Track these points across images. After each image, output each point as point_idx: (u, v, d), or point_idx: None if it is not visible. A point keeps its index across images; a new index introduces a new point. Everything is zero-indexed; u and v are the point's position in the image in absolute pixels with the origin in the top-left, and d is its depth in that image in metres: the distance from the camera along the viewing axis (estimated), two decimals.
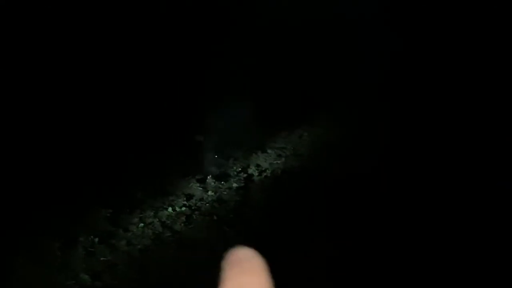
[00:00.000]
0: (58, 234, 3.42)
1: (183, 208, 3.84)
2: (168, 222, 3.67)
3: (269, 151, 4.85)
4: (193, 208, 3.86)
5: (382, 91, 5.68)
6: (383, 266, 3.29)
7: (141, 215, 3.73)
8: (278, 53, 6.00)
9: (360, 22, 5.96)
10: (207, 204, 3.93)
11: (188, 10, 5.82)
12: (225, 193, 4.11)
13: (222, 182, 4.25)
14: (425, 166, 4.51)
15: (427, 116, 5.37)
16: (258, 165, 4.58)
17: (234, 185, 4.23)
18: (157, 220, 3.68)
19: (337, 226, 3.68)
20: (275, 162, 4.66)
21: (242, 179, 4.33)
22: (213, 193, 4.08)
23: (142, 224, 3.62)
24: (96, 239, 3.41)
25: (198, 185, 4.19)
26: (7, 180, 3.83)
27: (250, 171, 4.48)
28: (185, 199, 3.98)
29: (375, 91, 5.66)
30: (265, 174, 4.45)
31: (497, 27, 6.14)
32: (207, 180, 4.27)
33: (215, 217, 3.76)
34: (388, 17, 6.03)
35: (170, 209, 3.82)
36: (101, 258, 3.25)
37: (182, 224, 3.65)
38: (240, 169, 4.49)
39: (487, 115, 5.22)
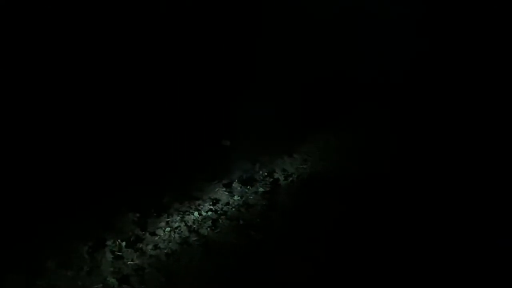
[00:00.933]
0: (86, 237, 3.44)
1: (209, 213, 3.84)
2: (195, 226, 3.67)
3: (295, 155, 4.84)
4: (219, 212, 3.86)
5: (410, 94, 5.61)
6: (409, 267, 3.23)
7: (168, 220, 3.74)
8: (305, 57, 5.98)
9: (388, 24, 5.92)
10: (233, 209, 3.92)
11: (216, 14, 5.84)
12: (251, 197, 4.09)
13: (248, 187, 4.24)
14: (455, 171, 4.43)
15: (454, 119, 5.28)
16: (284, 170, 4.56)
17: (260, 189, 4.21)
18: (184, 224, 3.68)
19: (363, 230, 3.63)
20: (301, 166, 4.64)
21: (268, 183, 4.32)
22: (239, 198, 4.07)
23: (169, 228, 3.62)
24: (124, 243, 3.42)
25: (224, 189, 4.19)
26: (36, 183, 3.88)
27: (276, 175, 4.47)
28: (211, 203, 3.98)
29: (403, 95, 5.59)
30: (291, 178, 4.42)
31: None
32: (233, 185, 4.26)
33: (241, 222, 3.74)
34: (416, 20, 5.96)
35: (196, 213, 3.82)
36: (129, 262, 3.26)
37: (208, 229, 3.64)
38: (266, 173, 4.48)
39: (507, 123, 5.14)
